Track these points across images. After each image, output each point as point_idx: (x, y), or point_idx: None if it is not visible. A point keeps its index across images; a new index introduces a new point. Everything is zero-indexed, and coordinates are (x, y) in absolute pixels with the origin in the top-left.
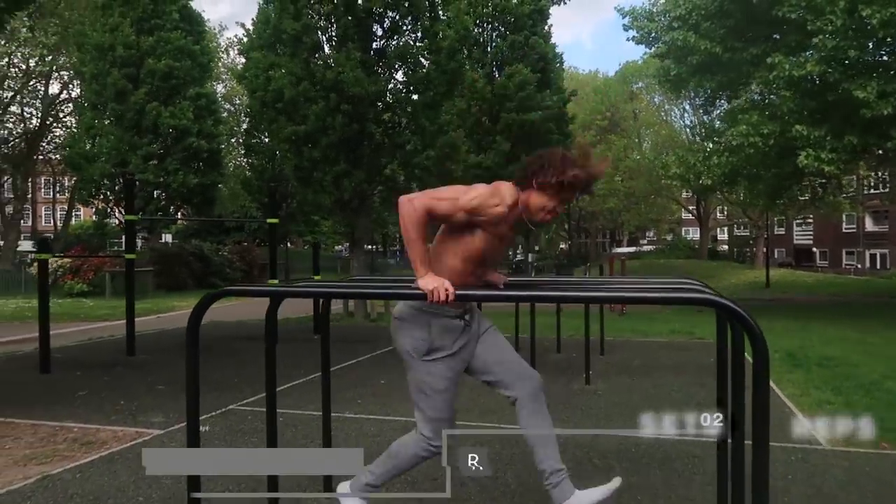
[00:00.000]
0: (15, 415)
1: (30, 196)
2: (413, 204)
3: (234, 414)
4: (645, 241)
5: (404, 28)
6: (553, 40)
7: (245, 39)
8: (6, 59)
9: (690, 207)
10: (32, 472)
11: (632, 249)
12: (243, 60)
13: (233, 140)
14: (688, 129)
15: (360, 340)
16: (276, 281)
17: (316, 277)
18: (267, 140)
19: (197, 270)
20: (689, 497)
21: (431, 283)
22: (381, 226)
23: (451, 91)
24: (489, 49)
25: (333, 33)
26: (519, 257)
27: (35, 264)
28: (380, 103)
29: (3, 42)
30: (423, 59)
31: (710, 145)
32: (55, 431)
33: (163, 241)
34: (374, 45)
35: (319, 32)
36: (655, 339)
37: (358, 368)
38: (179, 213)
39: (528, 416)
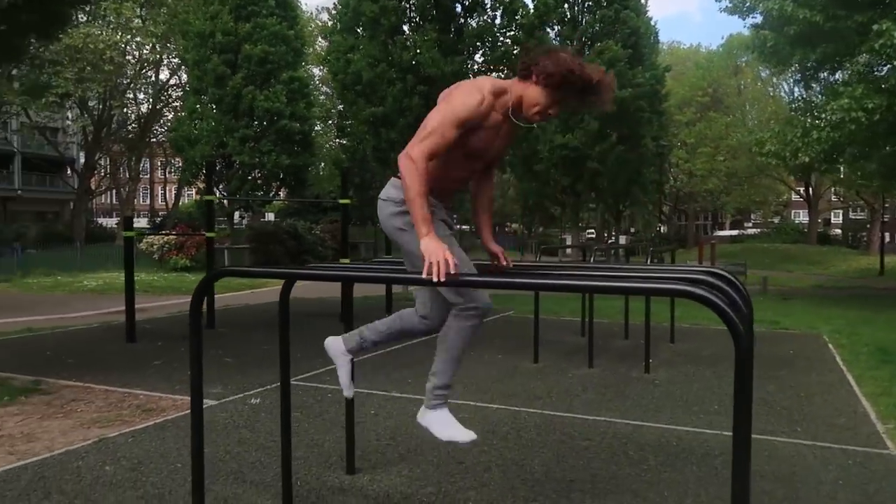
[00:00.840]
0: (94, 380)
1: (146, 177)
2: (410, 157)
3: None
4: (750, 225)
5: (485, 5)
6: (651, 14)
7: (329, 23)
8: (122, 48)
9: (799, 189)
10: (92, 435)
11: (734, 233)
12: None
13: (329, 122)
14: (793, 104)
15: None
16: (347, 260)
17: (386, 257)
18: None
19: (291, 248)
20: (721, 496)
21: (432, 249)
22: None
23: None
24: (579, 25)
25: (412, 14)
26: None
27: (143, 241)
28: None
29: (119, 33)
30: (501, 38)
31: (809, 120)
32: (123, 397)
33: (265, 219)
34: (452, 25)
35: (398, 14)
36: None
37: (417, 349)
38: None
39: (409, 314)
